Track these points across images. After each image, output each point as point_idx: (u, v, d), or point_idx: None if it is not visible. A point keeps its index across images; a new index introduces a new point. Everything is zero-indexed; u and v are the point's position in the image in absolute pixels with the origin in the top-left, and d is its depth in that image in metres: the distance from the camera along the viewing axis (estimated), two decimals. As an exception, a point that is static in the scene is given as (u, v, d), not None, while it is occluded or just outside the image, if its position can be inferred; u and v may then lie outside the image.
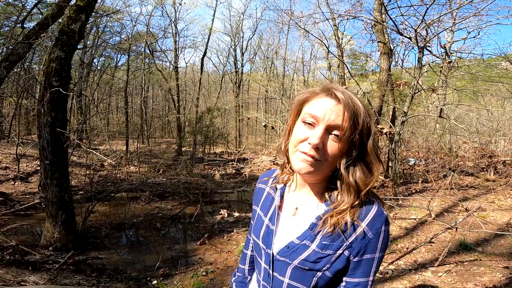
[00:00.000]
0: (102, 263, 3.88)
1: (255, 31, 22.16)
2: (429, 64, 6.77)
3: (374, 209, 0.73)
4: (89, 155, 7.65)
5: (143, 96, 18.25)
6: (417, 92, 5.76)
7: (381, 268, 3.34)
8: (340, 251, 0.72)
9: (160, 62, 20.62)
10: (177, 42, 17.46)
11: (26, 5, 13.40)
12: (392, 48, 7.27)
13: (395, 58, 8.56)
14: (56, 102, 3.72)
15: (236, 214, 3.37)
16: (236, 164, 11.10)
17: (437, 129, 9.38)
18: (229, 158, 12.82)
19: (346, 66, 7.84)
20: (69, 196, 4.09)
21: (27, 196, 6.63)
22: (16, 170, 8.14)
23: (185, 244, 4.85)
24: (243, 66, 20.88)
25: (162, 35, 17.96)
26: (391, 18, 5.80)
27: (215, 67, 25.44)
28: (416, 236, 4.33)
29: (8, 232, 4.40)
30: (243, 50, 20.75)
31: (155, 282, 3.33)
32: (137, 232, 5.27)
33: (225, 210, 3.24)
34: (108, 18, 15.05)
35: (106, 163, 8.59)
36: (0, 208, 5.77)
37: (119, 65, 19.97)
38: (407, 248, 3.85)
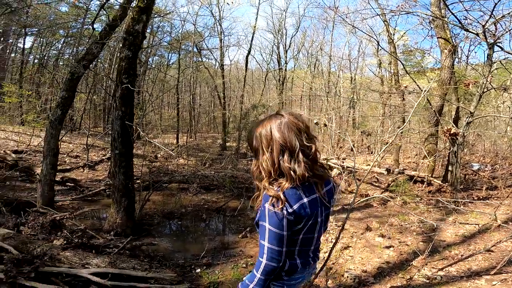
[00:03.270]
0: (154, 249, 4.08)
1: (298, 28, 21.77)
2: (500, 61, 6.06)
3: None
4: (146, 147, 8.29)
5: (192, 93, 19.17)
6: (486, 91, 5.20)
7: (429, 273, 3.19)
8: (258, 214, 1.16)
9: (207, 60, 21.46)
10: (222, 41, 17.95)
11: (89, 7, 14.95)
12: (455, 44, 6.64)
13: (458, 54, 7.78)
14: (126, 98, 4.08)
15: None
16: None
17: (508, 131, 8.32)
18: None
19: (401, 63, 7.29)
20: (132, 184, 4.45)
21: (94, 182, 7.39)
22: (86, 158, 9.17)
23: (227, 236, 5.00)
24: (286, 64, 20.73)
25: (208, 34, 18.63)
26: (452, 13, 5.32)
27: (259, 64, 25.60)
28: (473, 244, 4.00)
29: (77, 216, 4.74)
30: (286, 48, 20.57)
31: (198, 270, 3.48)
32: (185, 222, 5.54)
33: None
34: (160, 18, 16.02)
35: (160, 155, 9.26)
36: (71, 193, 6.54)
37: (170, 63, 21.27)
38: (461, 255, 3.59)
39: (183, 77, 19.51)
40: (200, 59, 19.62)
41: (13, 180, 7.02)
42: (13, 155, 8.46)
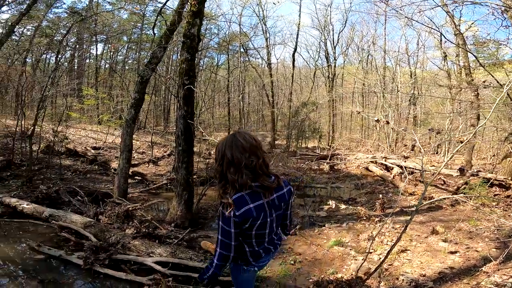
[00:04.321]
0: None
1: (345, 23, 20.72)
2: None
3: None
4: (200, 144, 8.77)
5: (241, 92, 19.73)
6: None
7: (499, 280, 2.89)
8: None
9: (254, 59, 21.80)
10: (268, 39, 18.03)
11: (145, 14, 16.34)
12: (534, 35, 5.71)
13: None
14: (187, 98, 4.37)
15: (343, 206, 3.32)
16: (330, 160, 10.87)
17: None
18: (322, 153, 12.65)
19: (474, 56, 6.43)
20: (192, 179, 4.75)
21: (157, 177, 8.08)
22: (150, 155, 10.08)
23: (276, 232, 5.04)
24: (335, 60, 19.96)
25: (253, 34, 18.89)
26: (526, 2, 4.58)
27: (306, 62, 25.13)
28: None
29: (145, 208, 5.13)
30: (334, 44, 19.80)
31: (247, 264, 3.60)
32: (235, 217, 5.70)
33: (334, 201, 3.22)
34: (207, 21, 16.70)
35: (213, 152, 9.70)
36: (139, 186, 7.22)
37: (219, 64, 22.14)
38: (542, 263, 3.11)
39: (232, 77, 20.15)
40: (247, 59, 20.03)
41: (92, 173, 8.06)
42: (92, 151, 9.71)
